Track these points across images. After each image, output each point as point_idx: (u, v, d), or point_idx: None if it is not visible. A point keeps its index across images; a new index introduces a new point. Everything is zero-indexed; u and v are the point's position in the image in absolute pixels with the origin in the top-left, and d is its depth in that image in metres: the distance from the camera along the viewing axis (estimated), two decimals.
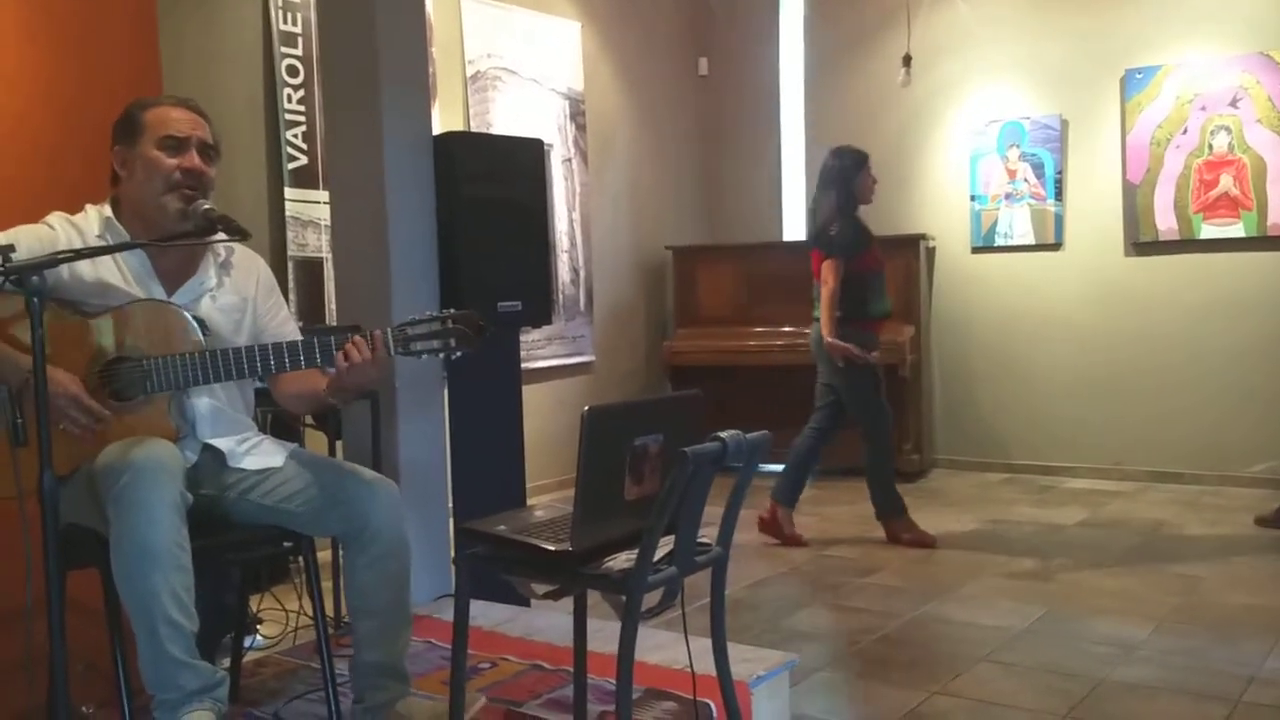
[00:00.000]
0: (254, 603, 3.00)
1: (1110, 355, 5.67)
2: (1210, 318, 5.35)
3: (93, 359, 2.00)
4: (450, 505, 3.34)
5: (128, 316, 2.02)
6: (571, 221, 6.00)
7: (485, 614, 2.92)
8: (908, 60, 5.83)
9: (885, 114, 6.36)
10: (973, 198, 6.09)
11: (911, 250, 5.98)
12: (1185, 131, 5.48)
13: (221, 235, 2.05)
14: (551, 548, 1.79)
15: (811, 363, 5.98)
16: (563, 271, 5.93)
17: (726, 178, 7.03)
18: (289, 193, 4.50)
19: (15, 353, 1.89)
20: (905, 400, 5.87)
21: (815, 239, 4.48)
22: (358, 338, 1.99)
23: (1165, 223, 5.54)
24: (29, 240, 1.97)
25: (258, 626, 3.07)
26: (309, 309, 4.51)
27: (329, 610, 3.04)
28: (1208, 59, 5.42)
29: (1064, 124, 5.84)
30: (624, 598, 1.71)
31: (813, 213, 4.59)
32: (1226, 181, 5.37)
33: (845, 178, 4.41)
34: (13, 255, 1.72)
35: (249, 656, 2.72)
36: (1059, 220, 5.85)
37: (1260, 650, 3.11)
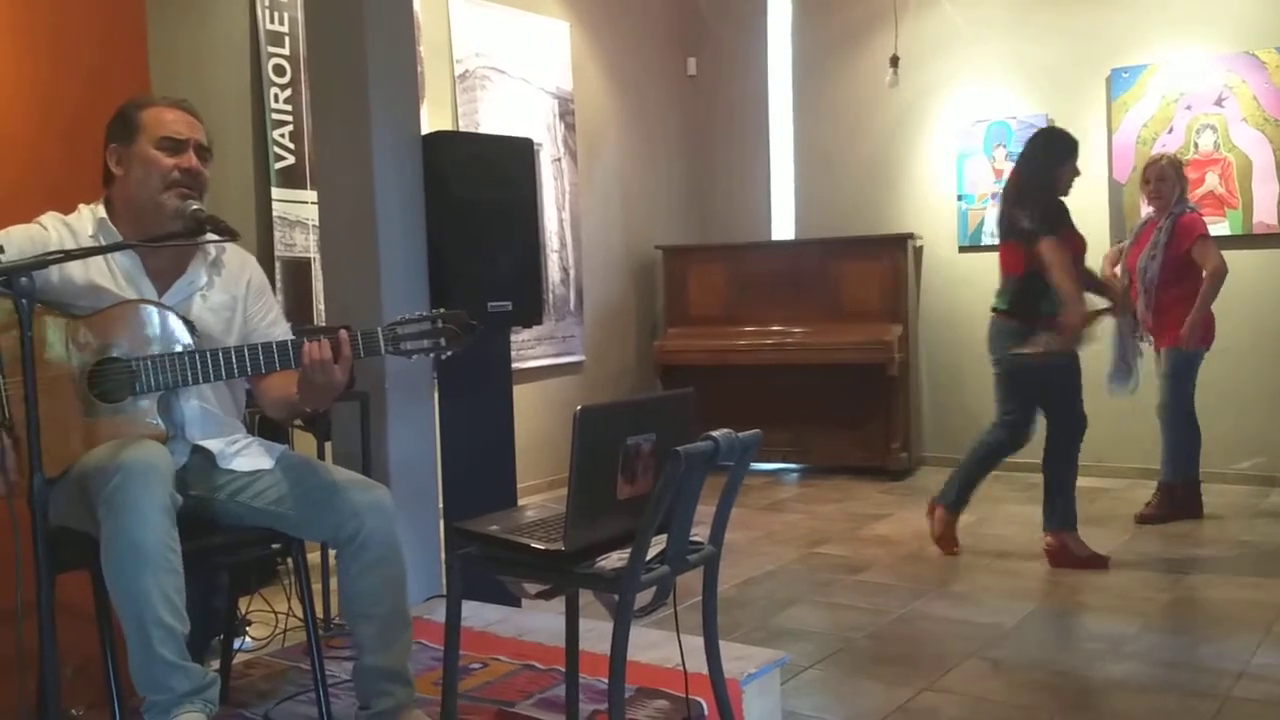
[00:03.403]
0: (243, 604, 2.99)
1: (1095, 352, 5.69)
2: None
3: (81, 360, 1.98)
4: (441, 506, 3.33)
5: (116, 317, 2.01)
6: (561, 221, 6.00)
7: (477, 614, 2.91)
8: (895, 61, 5.85)
9: (873, 114, 6.38)
10: (959, 197, 6.12)
11: (899, 249, 6.01)
12: (1171, 131, 5.51)
13: (211, 235, 2.04)
14: (544, 547, 1.79)
15: (798, 363, 6.03)
16: (553, 271, 5.93)
17: (716, 177, 7.04)
18: (276, 192, 4.49)
19: None
20: (893, 398, 5.90)
21: (1009, 230, 4.08)
22: (324, 338, 1.98)
23: None
24: (20, 241, 1.97)
25: (247, 628, 3.06)
26: (296, 309, 4.50)
27: (318, 612, 3.03)
28: (1193, 58, 5.45)
29: (1050, 123, 5.86)
30: (616, 597, 1.72)
31: (1006, 196, 4.14)
32: (1212, 180, 5.40)
33: (1045, 165, 4.01)
34: (1, 256, 1.72)
35: (238, 658, 2.71)
36: None
37: (1248, 645, 3.12)
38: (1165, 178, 4.53)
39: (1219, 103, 5.39)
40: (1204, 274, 4.46)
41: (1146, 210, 4.77)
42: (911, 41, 6.07)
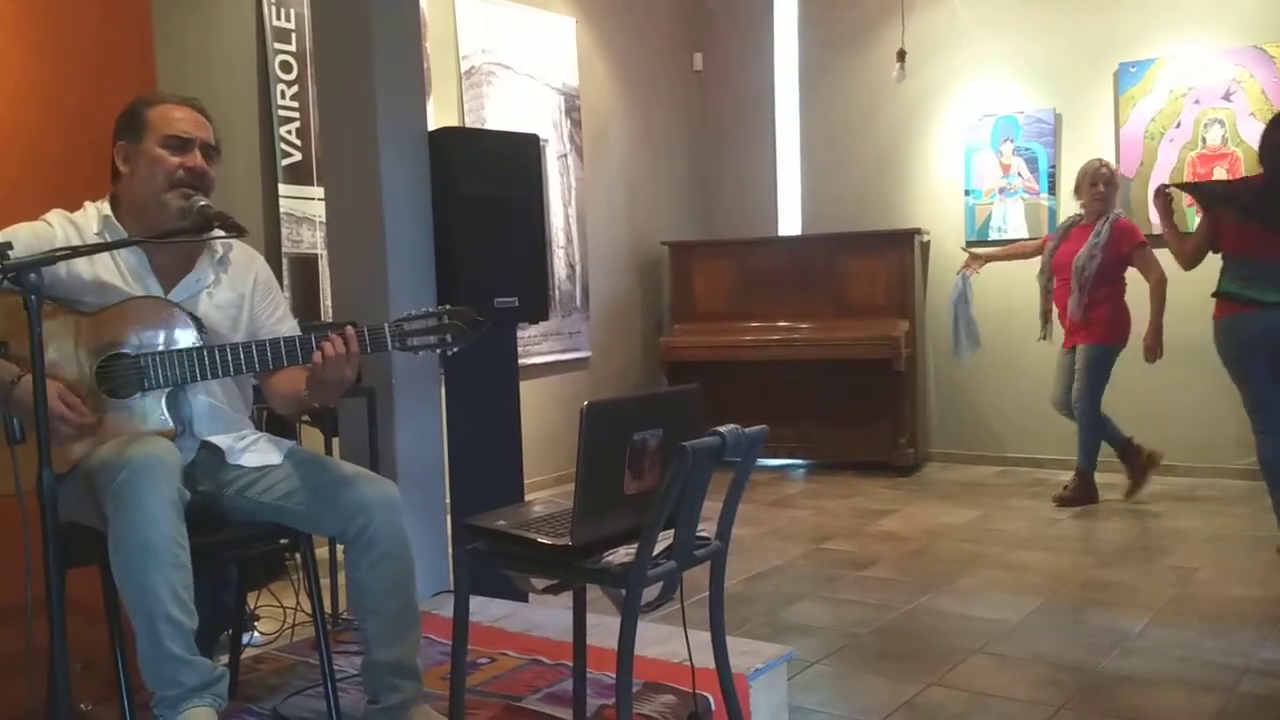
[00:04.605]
0: (251, 599, 3.00)
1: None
2: (1204, 311, 5.36)
3: (88, 356, 2.00)
4: (448, 501, 3.34)
5: (123, 314, 2.02)
6: (567, 217, 6.00)
7: (484, 609, 2.92)
8: (902, 55, 5.84)
9: (880, 109, 6.37)
10: (967, 192, 6.11)
11: (906, 244, 6.00)
12: (1179, 125, 5.49)
13: (218, 232, 2.05)
14: (551, 542, 1.79)
15: (805, 359, 6.02)
16: (559, 267, 5.93)
17: (722, 173, 7.04)
18: (283, 189, 4.49)
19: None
20: (900, 394, 5.89)
21: None
22: (334, 334, 1.99)
23: (1158, 216, 5.54)
24: (26, 238, 1.98)
25: (255, 623, 3.08)
26: (304, 306, 4.51)
27: (327, 607, 3.04)
28: (1201, 52, 5.43)
29: (1057, 118, 5.85)
30: (623, 592, 1.72)
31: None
32: (1220, 175, 5.38)
33: None
34: (9, 253, 1.72)
35: (247, 653, 2.72)
36: (1052, 214, 5.86)
37: (1255, 641, 3.12)
38: (1111, 182, 4.93)
39: (1227, 97, 5.37)
40: (1152, 282, 4.79)
41: (1073, 213, 5.10)
42: (918, 36, 6.06)
